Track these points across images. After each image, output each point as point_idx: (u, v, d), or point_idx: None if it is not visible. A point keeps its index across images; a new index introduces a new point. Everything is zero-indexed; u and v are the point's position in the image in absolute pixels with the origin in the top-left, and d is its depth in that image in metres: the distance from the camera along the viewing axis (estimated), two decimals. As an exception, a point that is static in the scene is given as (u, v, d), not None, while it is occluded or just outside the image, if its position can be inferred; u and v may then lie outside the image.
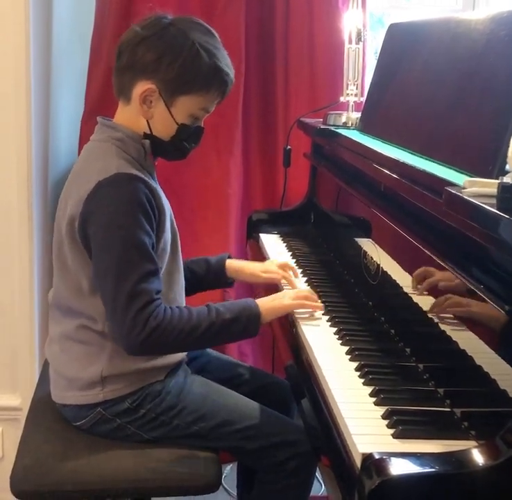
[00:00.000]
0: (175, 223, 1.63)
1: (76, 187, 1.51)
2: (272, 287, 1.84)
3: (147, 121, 1.56)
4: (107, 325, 1.52)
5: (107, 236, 1.45)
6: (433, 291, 1.36)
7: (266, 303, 1.59)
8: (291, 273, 1.87)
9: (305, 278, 1.89)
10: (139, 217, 1.45)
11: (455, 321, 1.27)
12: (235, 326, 1.52)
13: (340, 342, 1.50)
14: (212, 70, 1.53)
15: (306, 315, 1.62)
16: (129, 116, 1.57)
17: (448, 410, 1.21)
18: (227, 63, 1.57)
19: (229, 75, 1.58)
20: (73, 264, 1.53)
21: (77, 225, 1.48)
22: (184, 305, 1.65)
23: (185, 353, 1.66)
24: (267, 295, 1.67)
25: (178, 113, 1.55)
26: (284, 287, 1.81)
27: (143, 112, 1.54)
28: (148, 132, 1.56)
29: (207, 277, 1.86)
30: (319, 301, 1.66)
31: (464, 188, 1.14)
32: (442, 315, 1.32)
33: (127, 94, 1.56)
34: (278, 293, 1.70)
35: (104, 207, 1.45)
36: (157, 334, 1.44)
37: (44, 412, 1.65)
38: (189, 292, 1.83)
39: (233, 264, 1.88)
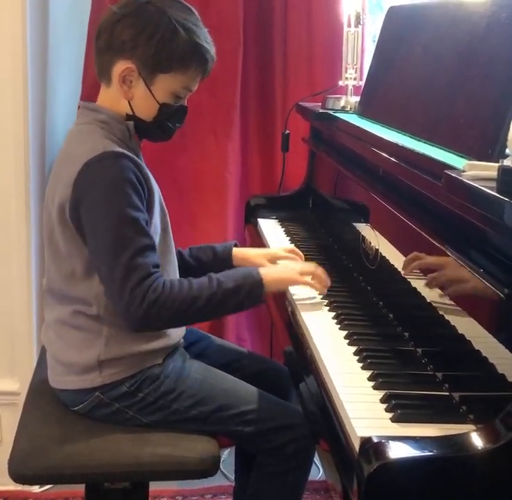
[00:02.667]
0: (164, 204, 1.62)
1: (64, 171, 1.49)
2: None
3: (128, 102, 1.54)
4: (103, 307, 1.51)
5: (100, 214, 1.44)
6: (424, 271, 1.36)
7: (270, 273, 1.57)
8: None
9: (303, 263, 1.89)
10: (129, 193, 1.44)
11: (453, 305, 1.27)
12: (237, 295, 1.50)
13: (339, 326, 1.49)
14: (191, 47, 1.52)
15: (306, 301, 1.62)
16: (111, 98, 1.55)
17: (447, 394, 1.21)
18: (206, 40, 1.56)
19: (210, 51, 1.56)
20: (66, 249, 1.52)
21: (68, 208, 1.47)
22: None
23: (182, 336, 1.65)
24: None
25: (159, 92, 1.54)
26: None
27: (124, 92, 1.53)
28: (130, 113, 1.55)
29: (213, 265, 1.83)
30: (325, 277, 1.63)
31: (464, 171, 1.13)
32: (440, 300, 1.32)
33: (107, 76, 1.54)
34: (283, 264, 1.69)
35: (94, 186, 1.44)
36: (157, 307, 1.43)
37: (42, 397, 1.65)
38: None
39: (240, 252, 1.86)
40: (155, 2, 1.52)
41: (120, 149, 1.48)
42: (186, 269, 1.80)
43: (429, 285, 1.36)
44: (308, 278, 1.62)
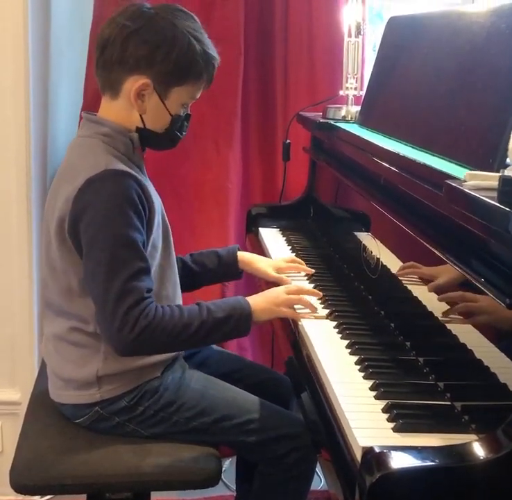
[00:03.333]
0: (166, 218, 1.61)
1: (64, 185, 1.48)
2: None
3: (140, 115, 1.53)
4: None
5: (97, 233, 1.43)
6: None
7: (259, 303, 1.57)
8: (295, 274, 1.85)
9: (304, 273, 1.89)
10: (129, 213, 1.43)
11: (455, 314, 1.27)
12: (226, 325, 1.50)
13: (340, 335, 1.49)
14: (203, 57, 1.52)
15: (307, 310, 1.62)
16: (117, 110, 1.54)
17: (448, 403, 1.20)
18: (212, 47, 1.57)
19: (216, 58, 1.57)
20: (62, 265, 1.51)
21: (67, 224, 1.46)
22: (179, 301, 1.64)
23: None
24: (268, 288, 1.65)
25: (172, 105, 1.54)
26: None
27: (137, 106, 1.52)
28: (141, 126, 1.54)
29: (218, 270, 1.84)
30: (315, 295, 1.63)
31: (465, 181, 1.13)
32: (442, 309, 1.32)
33: (115, 89, 1.52)
34: (270, 291, 1.64)
35: (94, 205, 1.43)
36: (148, 333, 1.41)
37: (44, 407, 1.64)
38: (196, 285, 1.84)
39: (243, 257, 1.86)
40: (162, 13, 1.51)
41: (122, 167, 1.46)
42: (191, 275, 1.80)
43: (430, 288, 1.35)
44: (294, 312, 1.60)
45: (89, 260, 1.45)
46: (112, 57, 1.50)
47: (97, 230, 1.43)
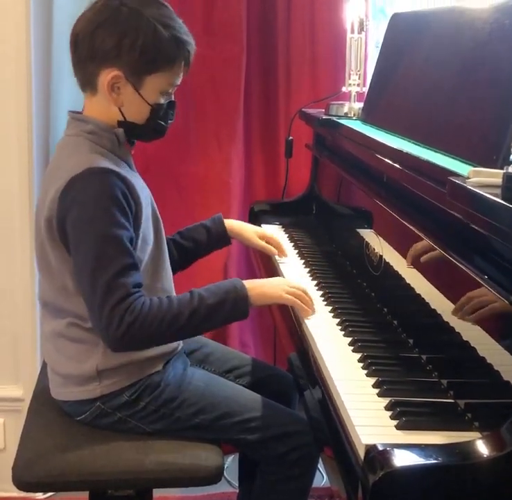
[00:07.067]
0: (157, 211, 1.61)
1: (51, 186, 1.48)
2: (267, 259, 1.91)
3: (119, 108, 1.52)
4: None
5: (82, 233, 1.43)
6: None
7: (256, 287, 1.55)
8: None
9: (307, 269, 1.89)
10: (113, 211, 1.42)
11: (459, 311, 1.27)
12: (221, 310, 1.48)
13: (343, 333, 1.49)
14: (173, 43, 1.50)
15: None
16: (98, 107, 1.53)
17: (451, 401, 1.20)
18: (185, 32, 1.54)
19: (190, 43, 1.54)
20: (57, 263, 1.50)
21: (55, 224, 1.46)
22: (173, 292, 1.64)
23: (179, 342, 1.64)
24: (268, 276, 1.65)
25: (148, 94, 1.52)
26: (280, 265, 1.87)
27: (113, 100, 1.51)
28: (122, 119, 1.53)
29: (209, 243, 1.86)
30: (310, 301, 1.60)
31: (468, 178, 1.13)
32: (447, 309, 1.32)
33: (92, 85, 1.52)
34: (272, 279, 1.68)
35: (78, 203, 1.43)
36: (135, 329, 1.40)
37: (46, 404, 1.64)
38: (190, 260, 1.87)
39: (232, 226, 1.89)
40: (128, 3, 1.49)
41: (106, 165, 1.45)
42: (183, 252, 1.83)
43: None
44: (295, 300, 1.57)
45: (76, 259, 1.45)
46: (83, 54, 1.50)
47: (81, 230, 1.43)
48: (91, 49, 1.48)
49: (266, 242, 1.92)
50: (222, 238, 1.88)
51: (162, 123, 1.57)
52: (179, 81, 1.57)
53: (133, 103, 1.52)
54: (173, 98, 1.59)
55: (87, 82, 1.53)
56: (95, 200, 1.43)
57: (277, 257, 1.93)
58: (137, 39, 1.47)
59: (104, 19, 1.48)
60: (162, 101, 1.55)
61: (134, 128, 1.55)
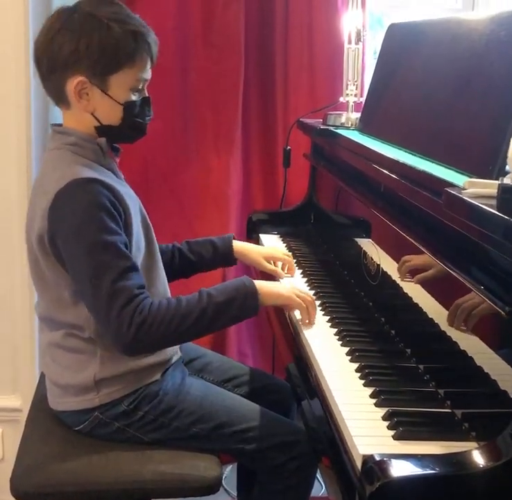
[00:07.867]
0: (147, 218, 1.60)
1: (39, 201, 1.48)
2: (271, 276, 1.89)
3: (92, 114, 1.52)
4: (94, 331, 1.50)
5: (74, 245, 1.43)
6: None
7: (265, 286, 1.56)
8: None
9: (305, 279, 1.89)
10: (102, 218, 1.42)
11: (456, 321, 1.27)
12: (231, 308, 1.48)
13: (341, 342, 1.49)
14: (130, 37, 1.49)
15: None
16: (75, 117, 1.53)
17: (449, 411, 1.20)
18: (142, 25, 1.52)
19: (150, 35, 1.53)
20: (51, 275, 1.50)
21: (47, 240, 1.46)
22: (168, 296, 1.63)
23: (176, 350, 1.65)
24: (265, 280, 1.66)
25: (117, 93, 1.51)
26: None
27: (83, 107, 1.50)
28: (98, 124, 1.52)
29: (214, 259, 1.86)
30: (314, 310, 1.61)
31: (464, 189, 1.14)
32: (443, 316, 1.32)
33: (63, 98, 1.52)
34: (286, 281, 1.69)
35: (66, 217, 1.43)
36: (145, 329, 1.40)
37: (44, 414, 1.64)
38: (191, 272, 1.88)
39: (238, 247, 1.88)
40: (81, 8, 1.49)
41: (91, 174, 1.45)
42: (187, 264, 1.84)
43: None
44: (303, 304, 1.59)
45: (74, 272, 1.45)
46: (45, 68, 1.50)
47: (73, 242, 1.43)
48: (51, 60, 1.48)
49: (275, 262, 1.90)
50: (227, 258, 1.87)
51: (139, 120, 1.56)
52: (147, 75, 1.56)
53: (104, 106, 1.52)
54: (146, 94, 1.57)
55: (58, 97, 1.53)
56: (82, 210, 1.42)
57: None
58: (93, 41, 1.46)
59: (58, 29, 1.48)
60: (134, 98, 1.54)
61: (111, 130, 1.54)
